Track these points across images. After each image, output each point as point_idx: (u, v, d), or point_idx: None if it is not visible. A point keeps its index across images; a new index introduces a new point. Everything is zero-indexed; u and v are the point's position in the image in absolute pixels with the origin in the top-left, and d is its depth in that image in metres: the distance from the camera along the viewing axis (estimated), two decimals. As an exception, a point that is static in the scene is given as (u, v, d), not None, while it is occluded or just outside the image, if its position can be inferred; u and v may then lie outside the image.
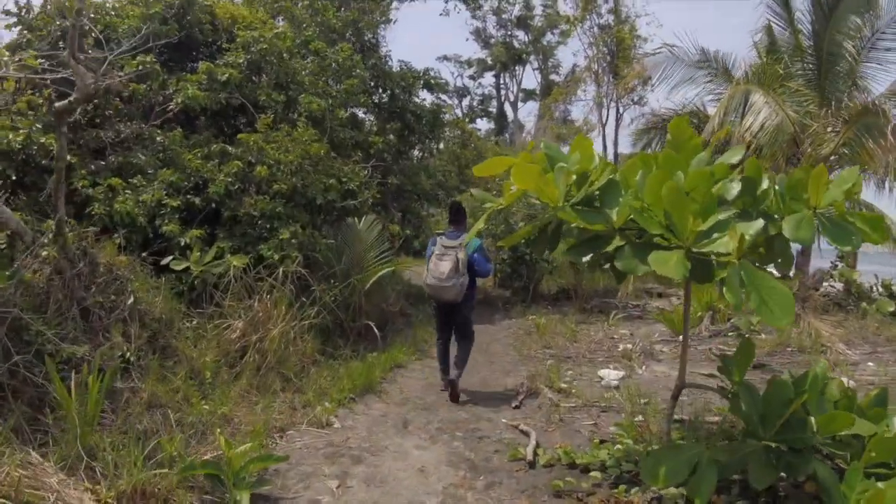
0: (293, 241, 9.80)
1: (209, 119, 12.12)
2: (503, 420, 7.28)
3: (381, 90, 16.10)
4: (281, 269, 9.25)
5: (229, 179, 10.10)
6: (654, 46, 19.43)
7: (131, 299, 7.55)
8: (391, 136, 15.99)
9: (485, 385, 8.98)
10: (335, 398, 7.73)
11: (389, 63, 16.47)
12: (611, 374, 9.03)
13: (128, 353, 6.94)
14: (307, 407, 7.48)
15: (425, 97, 17.61)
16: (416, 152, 18.05)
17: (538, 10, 50.01)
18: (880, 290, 14.59)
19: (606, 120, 24.99)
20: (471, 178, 21.02)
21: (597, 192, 4.48)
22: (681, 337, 11.70)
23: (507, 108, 53.93)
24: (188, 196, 9.90)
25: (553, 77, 50.76)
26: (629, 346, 10.83)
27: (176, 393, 6.91)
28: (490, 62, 53.24)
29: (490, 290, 18.50)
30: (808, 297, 13.60)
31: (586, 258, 4.68)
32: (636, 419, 7.02)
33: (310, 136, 11.10)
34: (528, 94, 53.08)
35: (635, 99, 24.45)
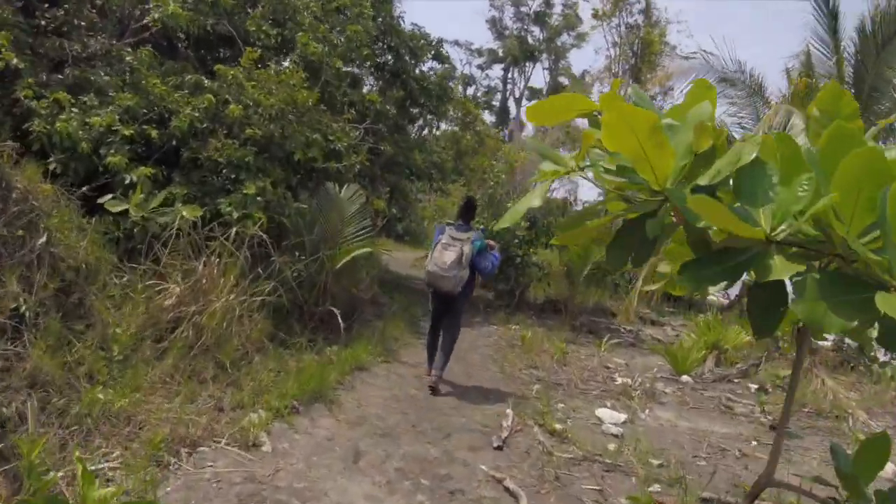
0: (259, 198, 8.15)
1: (191, 46, 10.43)
2: (482, 466, 5.56)
3: (387, 49, 14.33)
4: (236, 230, 7.55)
5: (196, 114, 8.43)
6: (685, 54, 17.79)
7: (43, 238, 5.88)
8: (390, 106, 14.30)
9: (460, 407, 7.29)
10: (273, 405, 5.97)
11: (401, 21, 14.71)
12: (611, 417, 7.40)
13: (23, 307, 5.27)
14: (236, 410, 5.79)
15: (433, 67, 15.87)
16: (415, 126, 16.33)
17: (557, 9, 48.58)
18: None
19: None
20: (468, 166, 19.36)
21: (732, 175, 2.53)
22: (684, 377, 10.25)
23: (511, 104, 52.30)
24: (145, 127, 8.20)
25: (561, 79, 49.27)
26: (627, 380, 9.24)
27: (76, 367, 5.25)
28: (501, 54, 51.70)
29: (471, 288, 16.94)
30: (819, 351, 12.09)
31: (718, 285, 2.55)
32: (651, 489, 5.42)
33: (299, 80, 9.37)
34: (534, 93, 51.51)
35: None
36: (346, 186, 9.50)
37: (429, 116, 16.16)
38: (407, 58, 14.28)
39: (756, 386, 9.97)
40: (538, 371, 9.36)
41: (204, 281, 7.22)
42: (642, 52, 21.20)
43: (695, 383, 9.95)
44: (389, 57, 14.41)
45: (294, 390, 6.28)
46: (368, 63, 13.98)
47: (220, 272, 7.31)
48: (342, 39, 11.30)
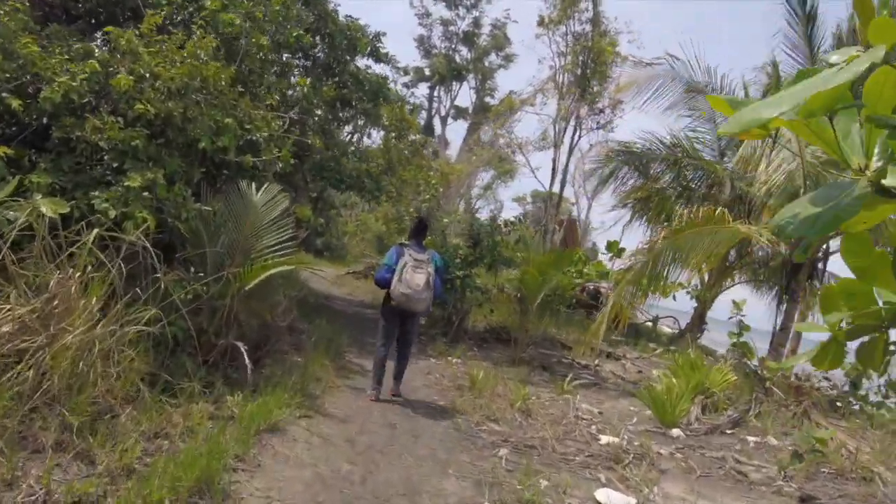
0: (146, 194, 5.96)
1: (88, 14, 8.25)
2: None
3: (320, 39, 12.21)
4: (110, 233, 5.35)
5: (74, 84, 6.20)
6: (649, 60, 16.22)
7: None
8: (319, 101, 12.19)
9: (414, 491, 5.12)
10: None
11: (336, 7, 12.61)
12: (616, 502, 5.44)
13: None
14: (71, 513, 3.61)
15: (369, 66, 13.79)
16: (345, 131, 14.24)
17: (486, 30, 47.30)
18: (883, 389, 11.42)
19: (561, 140, 21.81)
20: (400, 178, 17.38)
21: None
22: (673, 431, 8.46)
23: (437, 123, 50.57)
24: (5, 95, 5.98)
25: (488, 100, 47.86)
26: (613, 439, 7.30)
27: None
28: (428, 73, 49.97)
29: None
30: (802, 391, 10.48)
31: None
32: None
33: (208, 48, 7.23)
34: (460, 112, 49.88)
35: (601, 122, 21.45)
36: (265, 186, 7.29)
37: (361, 121, 14.12)
38: (342, 47, 12.16)
39: (755, 439, 8.23)
40: (499, 425, 7.34)
41: (57, 303, 5.02)
42: (593, 62, 19.66)
43: (687, 437, 8.13)
44: (323, 47, 12.29)
45: (169, 480, 3.99)
46: (299, 54, 11.89)
47: (81, 289, 5.11)
48: (268, 12, 9.14)
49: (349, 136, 13.95)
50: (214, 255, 6.58)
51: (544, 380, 10.48)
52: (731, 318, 11.08)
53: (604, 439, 7.39)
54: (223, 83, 7.40)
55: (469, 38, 48.72)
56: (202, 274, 6.47)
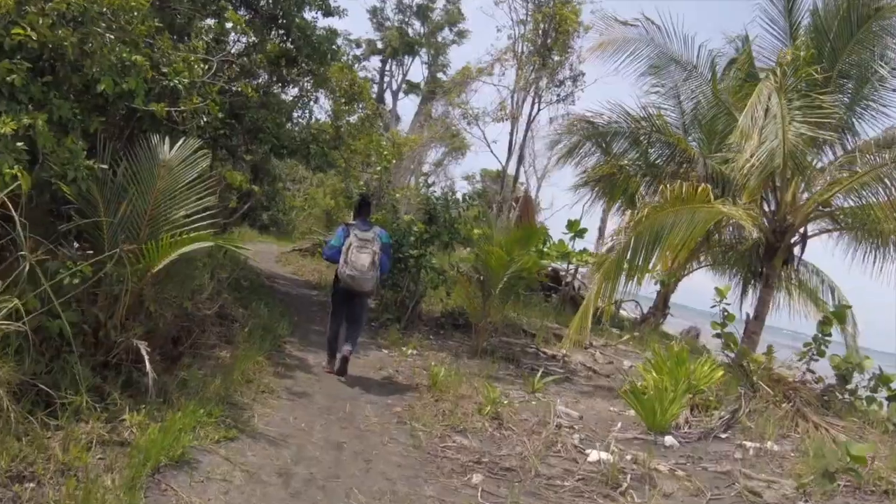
0: (19, 144, 4.44)
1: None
2: None
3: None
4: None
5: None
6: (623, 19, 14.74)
7: None
8: (260, 55, 10.61)
9: None
10: None
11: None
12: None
13: None
14: None
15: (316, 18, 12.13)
16: (288, 92, 12.64)
17: (440, 3, 45.74)
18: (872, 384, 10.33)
19: (519, 113, 20.43)
20: (349, 147, 15.82)
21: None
22: (666, 439, 7.26)
23: (388, 97, 48.86)
24: None
25: (440, 75, 46.36)
26: (604, 455, 6.00)
27: None
28: (380, 46, 48.21)
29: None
30: (789, 386, 9.40)
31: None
32: None
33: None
34: (412, 87, 48.29)
35: (562, 95, 20.10)
36: (181, 141, 5.75)
37: (308, 83, 12.52)
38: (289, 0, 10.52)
39: (753, 444, 7.04)
40: (468, 439, 5.99)
41: None
42: (554, 31, 18.28)
43: (681, 445, 6.94)
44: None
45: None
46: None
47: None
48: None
49: (295, 100, 12.27)
50: (110, 227, 5.05)
51: (511, 374, 9.18)
52: (713, 306, 9.90)
53: (592, 455, 6.11)
54: (136, 13, 5.87)
55: (423, 12, 47.24)
56: (90, 250, 4.97)
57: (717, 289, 9.86)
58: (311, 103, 13.22)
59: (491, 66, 20.94)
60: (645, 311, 18.31)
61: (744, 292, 16.44)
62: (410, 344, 9.60)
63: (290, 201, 26.38)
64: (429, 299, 12.07)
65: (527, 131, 20.71)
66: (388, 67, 49.14)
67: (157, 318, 5.58)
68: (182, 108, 6.09)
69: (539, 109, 20.60)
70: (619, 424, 7.47)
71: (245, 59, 10.93)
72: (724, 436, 7.55)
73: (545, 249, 14.86)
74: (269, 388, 6.27)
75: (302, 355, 8.11)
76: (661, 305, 17.96)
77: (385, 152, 13.29)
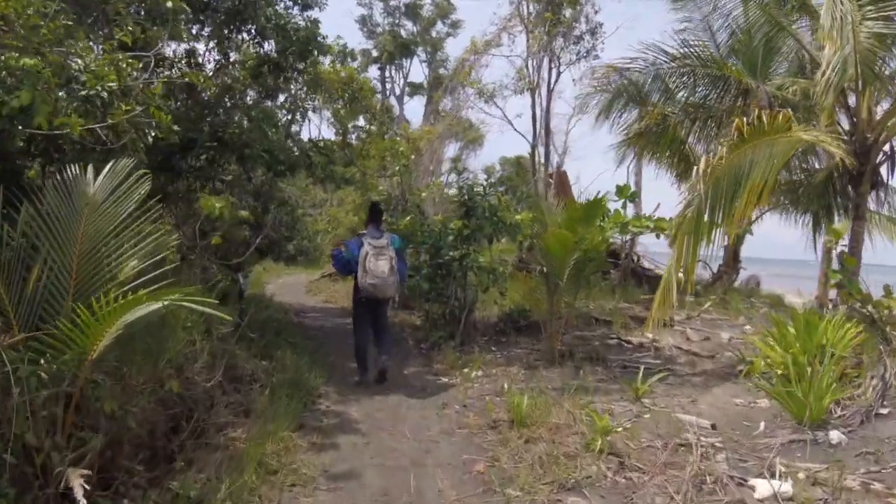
0: None
1: None
2: None
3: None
4: None
5: None
6: None
7: None
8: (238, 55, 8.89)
9: None
10: None
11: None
12: None
13: None
14: None
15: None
16: (280, 100, 10.82)
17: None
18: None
19: (536, 83, 18.46)
20: (360, 153, 14.07)
21: None
22: (832, 434, 5.31)
23: (393, 103, 47.18)
24: None
25: (442, 71, 44.59)
26: (775, 485, 4.10)
27: None
28: (375, 54, 46.59)
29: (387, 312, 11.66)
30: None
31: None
32: None
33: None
34: (415, 88, 46.58)
35: (582, 52, 18.12)
36: (108, 167, 3.98)
37: (299, 89, 10.76)
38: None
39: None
40: (587, 499, 4.13)
41: None
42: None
43: (849, 439, 5.07)
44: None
45: None
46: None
47: None
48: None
49: (285, 105, 10.39)
50: (25, 306, 3.31)
51: (603, 379, 7.32)
52: (831, 249, 7.95)
53: (760, 488, 4.25)
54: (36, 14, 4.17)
55: (412, 10, 45.67)
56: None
57: (832, 228, 7.90)
58: (307, 111, 11.49)
59: (498, 36, 19.05)
60: (715, 270, 16.25)
61: (815, 231, 14.56)
62: (473, 363, 7.80)
63: (314, 226, 24.68)
64: (481, 304, 10.24)
65: (549, 99, 18.77)
66: (387, 73, 47.55)
67: (123, 418, 3.83)
68: (110, 122, 4.33)
69: (559, 73, 18.62)
70: (762, 424, 5.60)
71: (224, 77, 9.28)
72: (885, 411, 5.65)
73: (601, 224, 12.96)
74: (300, 476, 4.46)
75: (342, 408, 6.32)
76: (732, 261, 15.91)
77: (401, 147, 11.53)
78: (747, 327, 10.42)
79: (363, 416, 6.05)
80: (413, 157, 11.74)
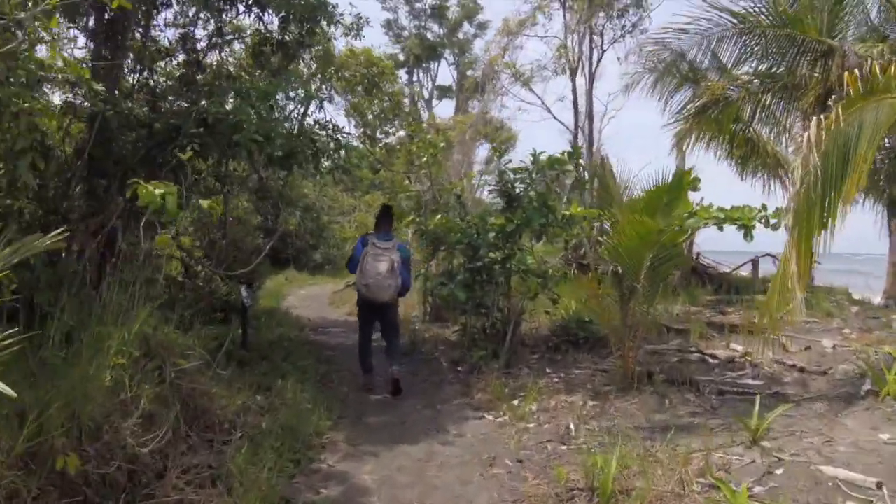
0: None
1: None
2: None
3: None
4: None
5: None
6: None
7: None
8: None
9: None
10: None
11: None
12: None
13: None
14: None
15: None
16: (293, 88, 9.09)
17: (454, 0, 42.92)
18: None
19: (579, 58, 16.63)
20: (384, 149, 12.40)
21: None
22: None
23: (422, 107, 45.65)
24: None
25: (470, 73, 43.04)
26: None
27: None
28: (402, 58, 45.17)
29: (416, 326, 9.86)
30: None
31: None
32: None
33: None
34: (443, 92, 45.00)
35: (628, 26, 16.30)
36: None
37: (311, 64, 9.07)
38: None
39: None
40: None
41: None
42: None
43: None
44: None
45: None
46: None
47: None
48: None
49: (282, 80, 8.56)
50: None
51: (698, 412, 5.48)
52: None
53: None
54: None
55: (438, 13, 44.39)
56: None
57: None
58: (322, 101, 9.75)
59: (534, 16, 17.26)
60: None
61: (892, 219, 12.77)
62: (526, 394, 5.97)
63: (341, 233, 23.05)
64: (528, 315, 8.42)
65: (591, 82, 16.88)
66: (415, 77, 46.08)
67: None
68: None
69: (602, 51, 16.72)
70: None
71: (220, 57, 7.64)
72: None
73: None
74: None
75: (351, 467, 4.51)
76: (804, 253, 13.88)
77: (428, 135, 9.82)
78: (846, 330, 8.52)
79: (379, 480, 4.24)
80: (443, 145, 9.96)
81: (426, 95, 45.69)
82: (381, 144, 13.15)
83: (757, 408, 4.82)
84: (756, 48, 11.03)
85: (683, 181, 6.06)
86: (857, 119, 6.06)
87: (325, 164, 7.53)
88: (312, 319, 11.44)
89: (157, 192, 3.58)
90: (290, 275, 18.94)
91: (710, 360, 7.22)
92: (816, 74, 10.61)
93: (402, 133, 13.01)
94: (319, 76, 9.79)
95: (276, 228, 10.97)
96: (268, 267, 12.49)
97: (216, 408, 4.60)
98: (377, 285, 6.68)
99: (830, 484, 3.95)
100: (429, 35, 44.49)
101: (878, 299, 13.80)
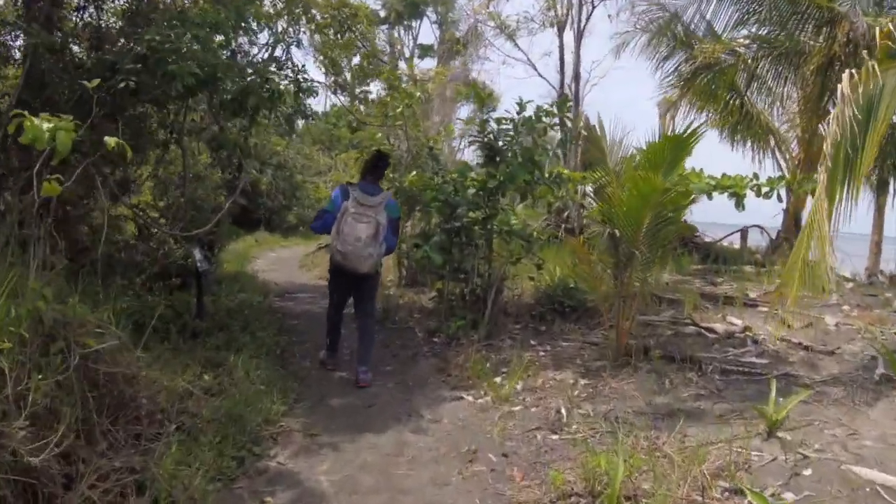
0: None
1: None
2: None
3: None
4: None
5: None
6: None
7: None
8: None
9: None
10: None
11: None
12: None
13: None
14: None
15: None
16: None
17: (438, -48, 41.33)
18: None
19: (567, 14, 15.74)
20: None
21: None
22: None
23: (402, 65, 44.37)
24: None
25: (453, 32, 41.85)
26: None
27: None
28: (383, 14, 43.80)
29: (391, 291, 9.17)
30: None
31: None
32: None
33: None
34: (425, 50, 43.72)
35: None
36: None
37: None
38: None
39: None
40: None
41: None
42: None
43: None
44: None
45: None
46: None
47: None
48: None
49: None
50: None
51: (702, 394, 4.82)
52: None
53: None
54: None
55: (422, -33, 42.94)
56: None
57: None
58: (289, 45, 8.81)
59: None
60: (774, 237, 13.65)
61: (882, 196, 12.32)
62: (511, 372, 5.28)
63: (316, 193, 22.09)
64: (511, 281, 7.70)
65: (579, 40, 16.02)
66: (396, 35, 44.77)
67: None
68: None
69: (593, 6, 15.86)
70: None
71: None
72: None
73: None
74: None
75: (305, 464, 3.79)
76: (792, 228, 13.30)
77: (413, 89, 9.00)
78: (845, 307, 7.92)
79: (337, 483, 3.53)
80: (419, 95, 9.11)
81: (407, 54, 44.47)
82: (358, 100, 12.26)
83: (773, 393, 4.17)
84: (757, 10, 10.43)
85: (688, 137, 5.31)
86: (880, 84, 5.40)
87: (284, 110, 6.68)
88: (280, 284, 10.66)
89: (46, 126, 2.79)
90: (261, 236, 18.06)
91: (708, 335, 6.56)
92: (819, 42, 10.03)
93: (378, 86, 12.20)
94: (286, 16, 8.87)
95: (234, 184, 10.12)
96: (230, 227, 11.65)
97: (145, 395, 3.85)
98: (356, 254, 5.29)
99: (868, 489, 3.33)
100: (411, -9, 43.18)
101: (861, 277, 13.37)
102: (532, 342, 6.29)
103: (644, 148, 5.37)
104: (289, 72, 6.38)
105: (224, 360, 5.26)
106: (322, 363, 5.99)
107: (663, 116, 14.41)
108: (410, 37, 44.79)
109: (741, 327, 6.62)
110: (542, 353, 5.91)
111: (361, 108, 12.72)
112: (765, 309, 7.46)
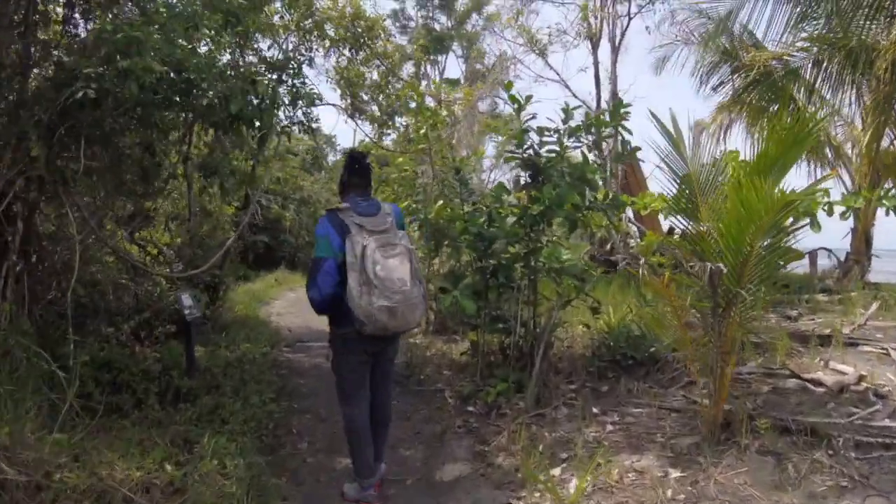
0: None
1: None
2: None
3: None
4: None
5: None
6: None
7: None
8: None
9: None
10: None
11: None
12: None
13: None
14: None
15: None
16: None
17: (461, -12, 41.57)
18: None
19: (599, 34, 14.49)
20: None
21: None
22: None
23: (429, 101, 43.81)
24: None
25: (479, 66, 41.40)
26: None
27: None
28: (409, 51, 43.49)
29: (415, 339, 7.87)
30: None
31: None
32: None
33: None
34: (452, 84, 43.27)
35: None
36: None
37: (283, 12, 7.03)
38: None
39: None
40: None
41: None
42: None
43: None
44: None
45: None
46: None
47: None
48: None
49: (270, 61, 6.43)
50: None
51: (844, 484, 3.39)
52: None
53: None
54: None
55: (446, 4, 43.20)
56: None
57: None
58: (300, 64, 7.61)
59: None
60: (842, 259, 12.15)
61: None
62: (577, 464, 3.86)
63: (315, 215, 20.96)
64: (566, 330, 6.29)
65: (616, 54, 14.77)
66: (422, 70, 44.39)
67: None
68: None
69: (630, 18, 14.65)
70: None
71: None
72: None
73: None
74: None
75: None
76: (863, 249, 11.80)
77: (420, 100, 7.76)
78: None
79: None
80: (445, 114, 7.92)
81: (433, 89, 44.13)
82: (378, 125, 11.22)
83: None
84: (816, 8, 9.21)
85: (808, 127, 3.89)
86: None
87: (281, 120, 5.42)
88: (294, 330, 9.36)
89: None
90: (282, 276, 16.81)
91: (815, 388, 5.10)
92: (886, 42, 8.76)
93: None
94: (295, 31, 7.72)
95: (256, 223, 8.99)
96: (237, 267, 10.44)
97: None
98: (407, 303, 3.50)
99: None
100: (436, 27, 43.32)
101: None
102: (594, 410, 4.86)
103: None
104: (283, 74, 5.13)
105: (199, 438, 3.98)
106: (350, 498, 3.85)
107: (696, 139, 13.20)
108: (437, 71, 44.55)
109: (854, 376, 5.14)
110: (610, 428, 4.47)
111: (387, 141, 11.69)
112: (871, 349, 6.00)
